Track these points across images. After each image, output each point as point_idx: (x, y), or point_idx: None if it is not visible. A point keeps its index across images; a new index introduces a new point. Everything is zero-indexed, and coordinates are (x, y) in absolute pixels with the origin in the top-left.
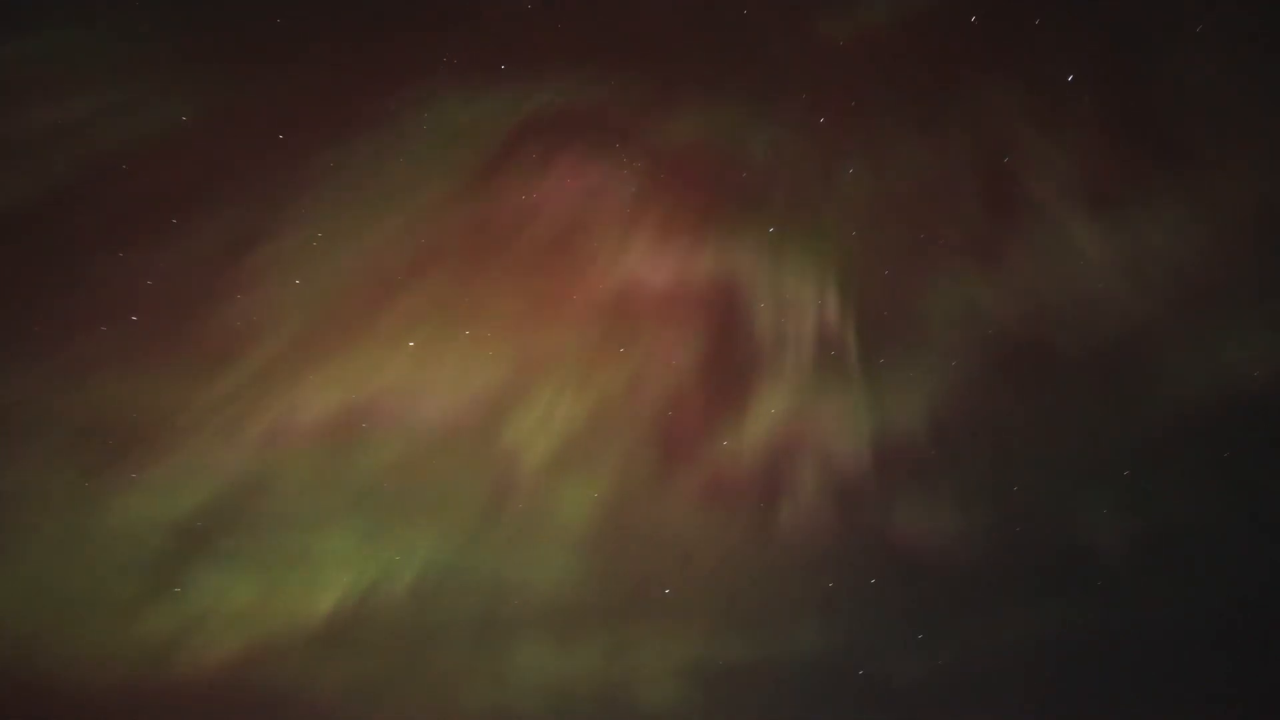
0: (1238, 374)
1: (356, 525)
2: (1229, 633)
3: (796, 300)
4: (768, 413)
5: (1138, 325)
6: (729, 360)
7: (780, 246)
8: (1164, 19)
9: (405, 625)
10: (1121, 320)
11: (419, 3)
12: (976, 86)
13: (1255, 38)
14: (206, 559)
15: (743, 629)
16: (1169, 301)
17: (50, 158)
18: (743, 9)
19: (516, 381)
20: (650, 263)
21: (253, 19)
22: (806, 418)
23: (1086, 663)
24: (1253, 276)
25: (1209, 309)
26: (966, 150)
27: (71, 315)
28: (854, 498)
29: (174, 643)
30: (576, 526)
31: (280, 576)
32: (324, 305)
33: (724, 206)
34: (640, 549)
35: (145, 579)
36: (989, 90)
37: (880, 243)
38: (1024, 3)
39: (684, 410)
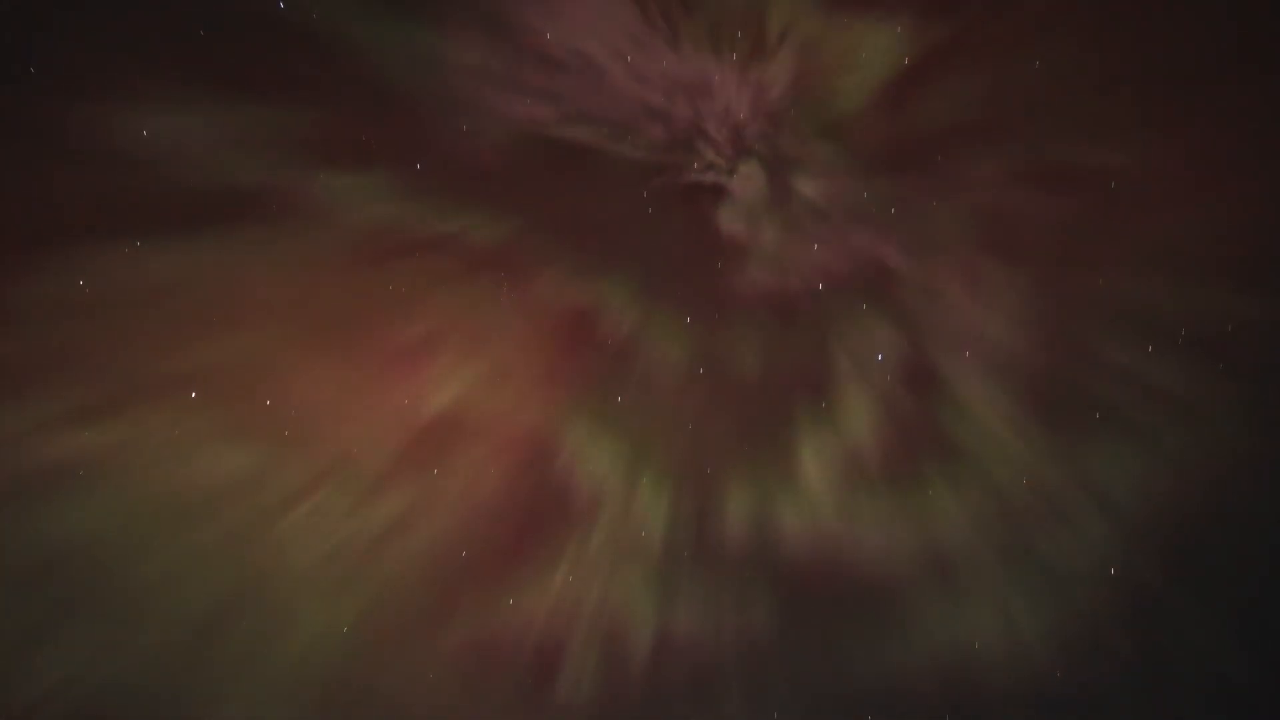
0: (963, 643)
1: None
2: None
3: (619, 476)
4: (564, 580)
5: (871, 581)
6: (539, 516)
7: (621, 420)
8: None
9: None
10: (886, 574)
11: (377, 83)
12: (812, 342)
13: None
14: None
15: None
16: (923, 568)
17: None
18: (648, 208)
19: (301, 470)
20: (493, 398)
21: None
22: (599, 596)
23: None
24: (989, 561)
25: (951, 582)
26: (793, 388)
27: None
28: (625, 692)
29: None
30: (311, 662)
31: None
32: (100, 318)
33: (581, 368)
34: (377, 707)
35: None
36: (821, 345)
37: (708, 444)
38: (855, 291)
39: (479, 553)
